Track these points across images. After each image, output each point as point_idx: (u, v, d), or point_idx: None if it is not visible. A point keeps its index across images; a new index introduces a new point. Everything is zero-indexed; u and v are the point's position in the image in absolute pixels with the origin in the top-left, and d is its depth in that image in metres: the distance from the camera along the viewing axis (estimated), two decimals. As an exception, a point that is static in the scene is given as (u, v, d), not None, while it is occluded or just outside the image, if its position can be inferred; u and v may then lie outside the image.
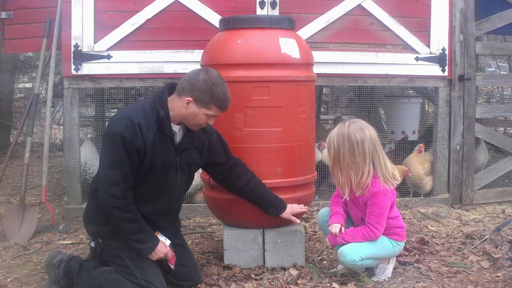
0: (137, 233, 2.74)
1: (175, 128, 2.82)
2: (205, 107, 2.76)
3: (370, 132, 2.94)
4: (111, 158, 2.69)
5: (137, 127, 2.67)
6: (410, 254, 3.42)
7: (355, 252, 2.94)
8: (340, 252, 2.98)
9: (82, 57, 4.19)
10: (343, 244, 3.00)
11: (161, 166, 2.78)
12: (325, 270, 3.22)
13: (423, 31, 4.59)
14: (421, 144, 4.79)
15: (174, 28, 4.28)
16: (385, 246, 3.03)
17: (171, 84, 2.86)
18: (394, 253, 3.10)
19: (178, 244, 3.02)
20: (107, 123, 5.33)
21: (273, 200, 3.14)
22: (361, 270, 3.11)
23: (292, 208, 3.19)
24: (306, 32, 4.36)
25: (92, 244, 2.94)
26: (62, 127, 6.98)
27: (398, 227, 3.06)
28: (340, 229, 3.02)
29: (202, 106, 2.75)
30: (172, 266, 2.89)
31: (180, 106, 2.76)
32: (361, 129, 2.93)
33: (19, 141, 5.92)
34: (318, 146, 4.92)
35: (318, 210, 4.41)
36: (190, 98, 2.73)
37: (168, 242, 2.88)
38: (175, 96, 2.80)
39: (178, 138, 2.85)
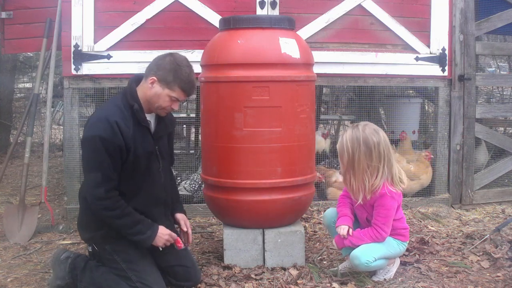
0: (133, 226, 2.74)
1: (148, 117, 2.86)
2: (168, 88, 2.78)
3: (383, 134, 2.95)
4: (91, 161, 2.70)
5: (115, 126, 2.68)
6: (410, 254, 3.42)
7: (368, 253, 2.95)
8: (353, 255, 2.97)
9: (82, 57, 4.18)
10: (350, 246, 3.01)
11: (144, 158, 2.81)
12: (325, 270, 3.22)
13: (423, 31, 4.59)
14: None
15: (174, 28, 4.28)
16: (393, 246, 3.05)
17: (137, 77, 2.91)
18: (400, 252, 3.12)
19: (177, 245, 3.03)
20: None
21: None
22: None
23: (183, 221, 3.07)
24: (306, 32, 4.36)
25: (89, 249, 2.95)
26: (62, 127, 6.98)
27: (403, 228, 3.10)
28: (348, 230, 3.01)
29: (166, 87, 2.78)
30: (180, 246, 2.89)
31: (146, 88, 2.80)
32: (376, 132, 2.92)
33: (19, 141, 5.92)
34: (321, 134, 5.02)
35: (318, 210, 4.42)
36: (154, 78, 2.78)
37: None
38: (143, 81, 2.84)
39: (152, 126, 2.89)
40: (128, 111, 2.77)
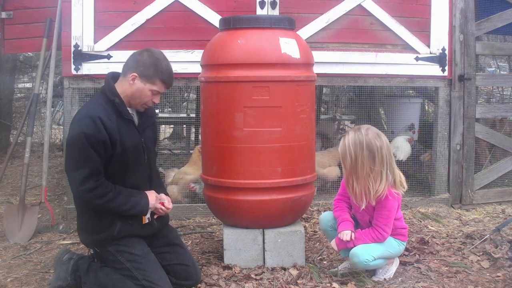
0: (128, 201, 2.77)
1: (130, 110, 2.88)
2: (150, 82, 2.80)
3: (385, 138, 2.94)
4: (77, 158, 2.70)
5: (98, 121, 2.69)
6: (410, 254, 3.43)
7: (367, 252, 2.95)
8: (353, 253, 2.98)
9: (82, 57, 4.18)
10: (349, 247, 3.01)
11: (132, 150, 2.82)
12: (325, 270, 3.22)
13: (423, 31, 4.59)
14: None
15: (174, 28, 4.28)
16: (393, 245, 3.05)
17: (113, 74, 2.91)
18: (400, 252, 3.13)
19: (176, 244, 3.03)
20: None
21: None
22: (362, 270, 3.12)
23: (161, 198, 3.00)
24: (306, 32, 4.36)
25: (91, 252, 2.95)
26: (62, 127, 6.98)
27: (402, 227, 3.11)
28: (351, 236, 3.01)
29: (147, 81, 2.80)
30: (166, 205, 2.93)
31: (126, 85, 2.81)
32: (378, 136, 2.91)
33: (19, 141, 5.91)
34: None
35: (318, 210, 4.42)
36: (135, 74, 2.79)
37: None
38: (121, 78, 2.85)
39: (135, 119, 2.90)
40: (110, 106, 2.78)
